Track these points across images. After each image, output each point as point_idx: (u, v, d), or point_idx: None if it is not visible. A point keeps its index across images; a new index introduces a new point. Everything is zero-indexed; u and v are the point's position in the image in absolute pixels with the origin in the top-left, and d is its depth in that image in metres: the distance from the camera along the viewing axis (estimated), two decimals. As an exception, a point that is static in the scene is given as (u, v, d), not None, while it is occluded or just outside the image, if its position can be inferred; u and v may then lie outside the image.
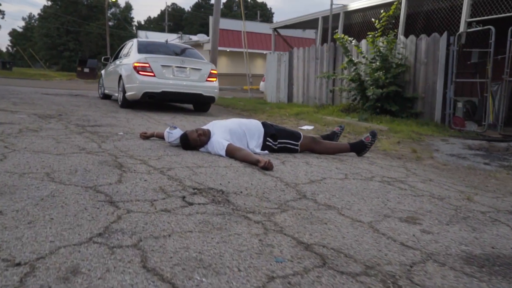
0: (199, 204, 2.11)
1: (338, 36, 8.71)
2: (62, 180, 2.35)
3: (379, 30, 8.55)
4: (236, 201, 2.23)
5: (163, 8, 68.46)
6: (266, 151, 3.86)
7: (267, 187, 2.58)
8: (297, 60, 11.80)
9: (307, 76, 11.36)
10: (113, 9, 57.07)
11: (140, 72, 7.44)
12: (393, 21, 8.66)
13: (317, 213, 2.12)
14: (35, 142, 3.52)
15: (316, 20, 11.91)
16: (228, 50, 28.59)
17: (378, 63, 8.24)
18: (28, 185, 2.18)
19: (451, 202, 2.58)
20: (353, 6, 10.21)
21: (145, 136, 4.20)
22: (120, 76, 8.12)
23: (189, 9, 67.37)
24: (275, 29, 14.07)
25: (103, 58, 10.90)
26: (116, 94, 8.59)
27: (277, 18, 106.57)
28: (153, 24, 63.36)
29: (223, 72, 25.49)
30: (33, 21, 68.60)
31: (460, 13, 7.69)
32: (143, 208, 1.95)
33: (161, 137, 4.19)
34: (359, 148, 4.12)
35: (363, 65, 8.77)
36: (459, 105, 8.40)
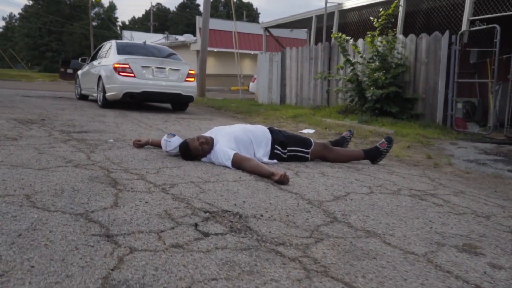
0: (216, 234, 1.72)
1: (336, 35, 8.39)
2: (45, 204, 1.93)
3: (377, 29, 8.26)
4: (259, 228, 1.85)
5: (147, 8, 67.46)
6: (275, 160, 3.49)
7: (289, 207, 2.20)
8: (290, 60, 11.45)
9: (301, 77, 11.03)
10: (96, 9, 56.02)
11: (120, 73, 7.65)
12: (393, 20, 8.37)
13: (358, 243, 1.76)
14: (13, 154, 3.08)
15: (309, 19, 11.58)
16: (215, 51, 28.13)
17: (377, 63, 7.94)
18: (3, 214, 1.76)
19: (499, 221, 2.25)
20: (348, 4, 9.91)
21: (139, 144, 3.79)
22: (100, 76, 8.22)
23: (174, 9, 66.62)
24: (266, 29, 13.70)
25: (80, 59, 10.89)
26: (95, 95, 8.68)
27: (263, 19, 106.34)
28: (137, 24, 62.42)
29: (210, 73, 25.05)
30: (13, 20, 66.99)
31: (462, 11, 7.44)
32: (149, 243, 1.56)
33: (157, 145, 3.79)
34: (374, 156, 3.78)
35: (360, 65, 8.47)
36: (459, 106, 8.15)
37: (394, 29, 8.55)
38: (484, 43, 7.91)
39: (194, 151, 3.26)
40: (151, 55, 8.46)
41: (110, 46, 8.71)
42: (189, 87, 8.30)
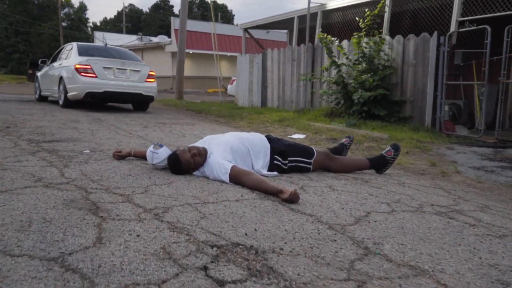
0: (234, 282, 1.34)
1: (321, 36, 8.11)
2: (7, 245, 1.50)
3: (363, 30, 8.04)
4: (283, 268, 1.48)
5: (120, 9, 66.07)
6: (275, 172, 3.12)
7: (309, 236, 1.84)
8: (272, 62, 11.13)
9: (283, 79, 10.72)
10: (66, 9, 54.32)
11: (82, 74, 7.96)
12: (379, 20, 8.16)
13: (409, 286, 1.41)
14: (-29, 171, 2.61)
15: (291, 20, 11.31)
16: (191, 52, 27.58)
17: (364, 65, 7.71)
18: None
19: (547, 245, 1.95)
20: (332, 4, 9.68)
21: (120, 156, 3.35)
22: (61, 77, 8.45)
23: (147, 10, 65.42)
24: (246, 30, 13.34)
25: (40, 60, 11.05)
26: (56, 95, 8.94)
27: (238, 21, 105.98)
28: (109, 25, 60.91)
29: (186, 75, 24.49)
30: (-23, 21, 64.20)
31: (451, 12, 7.29)
32: (150, 303, 1.17)
33: (140, 156, 3.36)
34: (380, 165, 3.47)
35: (345, 67, 8.22)
36: (446, 108, 8.01)
37: (380, 30, 8.35)
38: (470, 44, 7.80)
39: (186, 164, 2.86)
40: (112, 57, 8.73)
41: (71, 48, 8.94)
42: (150, 87, 8.68)
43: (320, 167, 3.38)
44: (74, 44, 9.03)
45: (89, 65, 7.99)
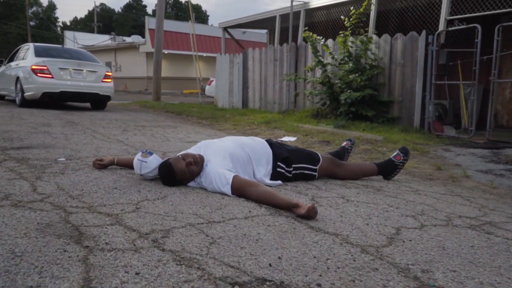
0: None
1: (307, 34, 7.84)
2: (-36, 296, 1.12)
3: (349, 29, 7.83)
4: (331, 315, 1.15)
5: (90, 8, 64.33)
6: (279, 181, 2.80)
7: (344, 263, 1.53)
8: (253, 62, 10.82)
9: (265, 79, 10.42)
10: (34, 8, 52.46)
11: (38, 74, 8.19)
12: (364, 19, 7.96)
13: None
14: None
15: (273, 18, 11.03)
16: (166, 52, 26.94)
17: (351, 65, 7.49)
18: None
19: None
20: (315, 3, 9.44)
21: (102, 165, 2.95)
22: (18, 78, 8.63)
23: (120, 10, 63.98)
24: (225, 29, 12.98)
25: None
26: (13, 95, 9.14)
27: (212, 21, 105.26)
28: (80, 25, 59.22)
29: (161, 76, 23.91)
30: None
31: (439, 10, 7.15)
32: None
33: (125, 165, 2.97)
34: (388, 170, 3.20)
35: (330, 67, 7.99)
36: (431, 108, 7.90)
37: (366, 29, 8.16)
38: (459, 43, 7.70)
39: (180, 174, 2.50)
40: (69, 57, 8.96)
41: (28, 48, 9.13)
42: (106, 87, 9.00)
43: (326, 174, 3.07)
44: (31, 45, 9.24)
45: (45, 66, 8.23)
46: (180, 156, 2.54)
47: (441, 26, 7.02)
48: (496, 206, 2.64)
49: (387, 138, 5.39)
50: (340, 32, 7.65)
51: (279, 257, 1.54)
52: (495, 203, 2.72)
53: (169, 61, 28.33)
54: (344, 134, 5.74)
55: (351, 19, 7.92)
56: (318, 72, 8.42)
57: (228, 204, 2.22)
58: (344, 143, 3.72)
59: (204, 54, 27.81)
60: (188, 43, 27.48)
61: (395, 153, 3.24)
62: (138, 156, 2.60)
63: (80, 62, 8.78)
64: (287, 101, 9.73)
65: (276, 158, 2.84)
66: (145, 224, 1.79)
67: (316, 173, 2.98)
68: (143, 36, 29.24)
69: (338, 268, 1.49)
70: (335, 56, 7.88)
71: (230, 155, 2.63)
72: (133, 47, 28.23)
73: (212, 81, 18.56)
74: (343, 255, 1.61)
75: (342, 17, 8.12)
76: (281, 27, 10.82)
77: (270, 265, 1.46)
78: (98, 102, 9.24)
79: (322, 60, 7.95)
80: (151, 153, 2.60)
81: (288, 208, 2.15)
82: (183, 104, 11.50)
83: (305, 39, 8.31)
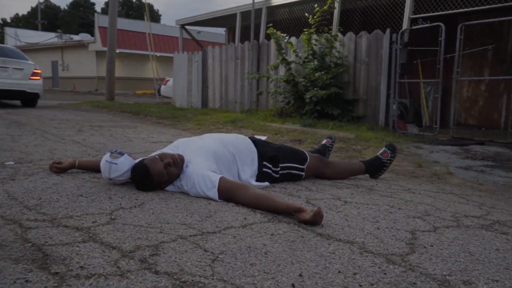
0: None
1: (272, 31, 7.64)
2: None
3: (313, 26, 7.71)
4: None
5: (34, 5, 60.99)
6: (267, 183, 2.53)
7: (376, 278, 1.29)
8: (213, 60, 10.49)
9: (225, 78, 10.12)
10: (-30, 3, 48.82)
11: None
12: (328, 16, 7.88)
13: None
14: None
15: (231, 16, 10.75)
16: (117, 52, 25.88)
17: (316, 63, 7.37)
18: None
19: None
20: (278, 0, 9.27)
21: (60, 168, 2.54)
22: None
23: (66, 7, 61.05)
24: (182, 26, 12.53)
25: None
26: None
27: (164, 21, 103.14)
28: (22, 22, 55.92)
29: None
30: None
31: (403, 9, 7.19)
32: None
33: (89, 168, 2.59)
34: (376, 168, 3.02)
35: (294, 65, 7.83)
36: (395, 107, 7.96)
37: (330, 27, 8.09)
38: (422, 42, 7.80)
39: (157, 177, 2.16)
40: None
41: None
42: (34, 85, 8.99)
43: (312, 174, 2.84)
44: None
45: None
46: (157, 156, 2.21)
47: (405, 24, 7.05)
48: (493, 203, 2.52)
49: (359, 136, 5.28)
50: (305, 29, 7.51)
51: (300, 275, 1.27)
52: (490, 201, 2.60)
53: (121, 61, 27.25)
54: (314, 133, 5.58)
55: (315, 17, 7.81)
56: (282, 70, 8.26)
57: (218, 211, 1.92)
58: (324, 141, 3.52)
59: (158, 54, 27.02)
60: (140, 42, 26.63)
61: (381, 151, 3.06)
62: (106, 157, 2.24)
63: (5, 60, 8.67)
64: (249, 100, 9.48)
65: (261, 157, 2.57)
66: (126, 239, 1.46)
67: (303, 173, 2.74)
68: (92, 35, 27.96)
69: (372, 285, 1.24)
70: (299, 54, 7.74)
71: (214, 155, 2.33)
72: (81, 46, 26.89)
73: (168, 80, 18.01)
74: (369, 268, 1.37)
75: (306, 14, 7.99)
76: (241, 25, 10.57)
77: (293, 286, 1.19)
78: (26, 99, 9.22)
79: (287, 58, 7.78)
80: (121, 154, 2.24)
81: (288, 213, 1.89)
82: (139, 104, 10.94)
83: (267, 37, 8.11)
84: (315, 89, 7.04)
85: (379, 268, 1.38)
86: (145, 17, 11.90)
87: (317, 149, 3.38)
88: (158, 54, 26.78)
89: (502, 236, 1.83)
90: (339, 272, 1.32)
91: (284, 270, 1.30)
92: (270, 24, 7.71)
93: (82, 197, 2.00)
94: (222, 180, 2.13)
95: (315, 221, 1.77)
